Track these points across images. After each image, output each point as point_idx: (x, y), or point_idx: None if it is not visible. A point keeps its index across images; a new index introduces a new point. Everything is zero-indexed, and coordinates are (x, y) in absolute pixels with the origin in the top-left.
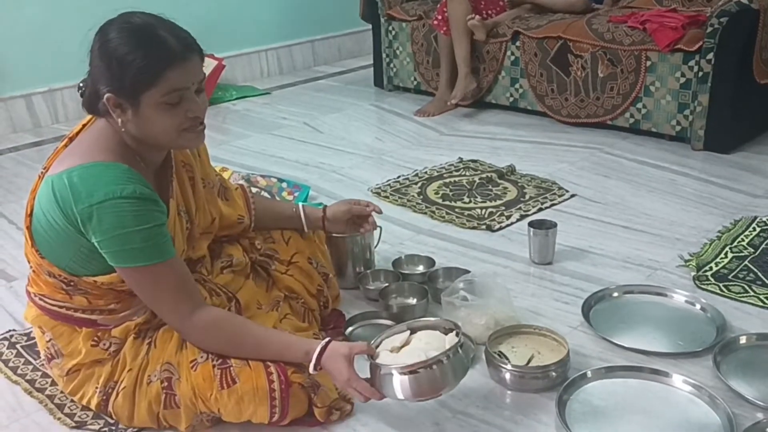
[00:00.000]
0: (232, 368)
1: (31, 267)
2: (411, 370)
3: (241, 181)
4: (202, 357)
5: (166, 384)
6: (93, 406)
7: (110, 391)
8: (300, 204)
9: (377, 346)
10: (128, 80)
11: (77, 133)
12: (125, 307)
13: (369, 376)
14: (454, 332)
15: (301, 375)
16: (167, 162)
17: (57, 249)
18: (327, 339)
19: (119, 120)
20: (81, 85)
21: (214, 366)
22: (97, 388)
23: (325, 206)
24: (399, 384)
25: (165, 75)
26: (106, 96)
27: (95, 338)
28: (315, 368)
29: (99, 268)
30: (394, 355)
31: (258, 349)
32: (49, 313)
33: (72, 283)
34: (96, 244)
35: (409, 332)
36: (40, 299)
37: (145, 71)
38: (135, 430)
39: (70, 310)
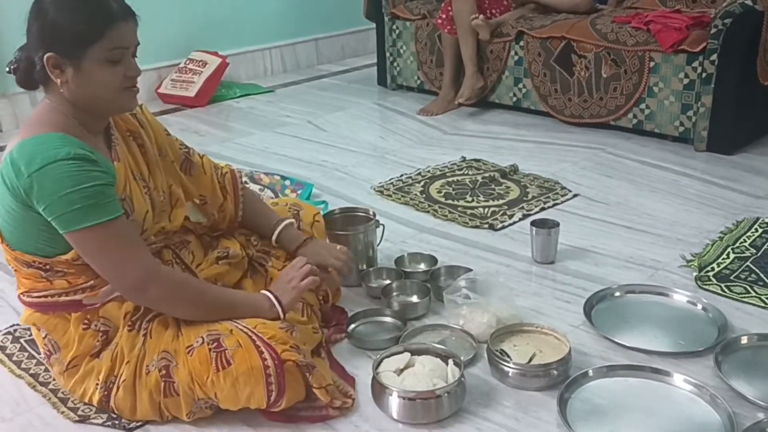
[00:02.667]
0: (226, 351)
1: (12, 267)
2: (410, 397)
3: (245, 179)
4: (197, 341)
5: (164, 372)
6: (95, 402)
7: (111, 386)
8: (285, 223)
9: (378, 365)
10: (73, 36)
11: None
12: (104, 282)
13: (371, 390)
14: (454, 362)
15: (293, 353)
16: (108, 131)
17: (21, 235)
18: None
19: (58, 81)
20: (11, 62)
21: (210, 349)
22: (97, 384)
23: (307, 239)
24: (395, 405)
25: (109, 31)
26: (45, 57)
27: (86, 321)
28: (279, 304)
29: (65, 242)
30: (400, 378)
31: (225, 302)
32: (38, 307)
33: (48, 267)
34: (44, 213)
35: (409, 355)
36: (28, 296)
37: (91, 25)
38: (138, 424)
39: (54, 296)
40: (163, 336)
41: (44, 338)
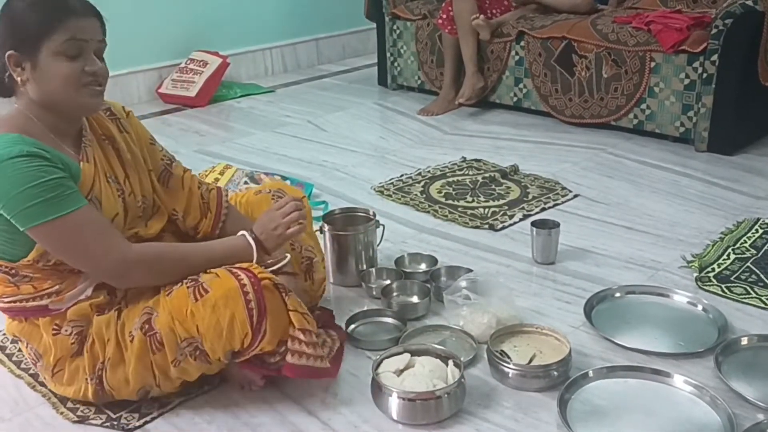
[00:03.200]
0: (203, 283)
1: None
2: (410, 398)
3: (245, 179)
4: (177, 285)
5: (146, 327)
6: (91, 396)
7: (100, 373)
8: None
9: (378, 365)
10: (28, 30)
11: None
12: (70, 286)
13: (370, 391)
14: (454, 363)
15: (269, 275)
16: (80, 133)
17: None
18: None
19: (19, 79)
20: None
21: (188, 287)
22: (87, 378)
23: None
24: (395, 406)
25: (64, 24)
26: (7, 55)
27: (55, 326)
28: (256, 241)
29: (26, 244)
30: (400, 379)
31: (205, 259)
32: (8, 313)
33: (14, 271)
34: (2, 212)
35: (409, 355)
36: (0, 301)
37: (44, 20)
38: (138, 424)
39: (22, 302)
40: (139, 301)
41: (27, 347)
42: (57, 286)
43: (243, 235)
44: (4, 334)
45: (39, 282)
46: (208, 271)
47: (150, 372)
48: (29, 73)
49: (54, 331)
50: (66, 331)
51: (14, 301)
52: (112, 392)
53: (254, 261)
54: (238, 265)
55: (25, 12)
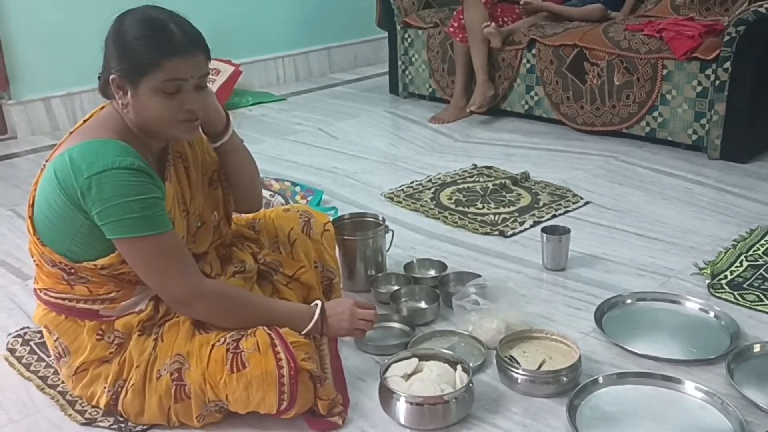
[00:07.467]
0: (243, 353)
1: (34, 261)
2: (418, 402)
3: None
4: (219, 342)
5: (176, 375)
6: (102, 405)
7: (119, 390)
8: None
9: (386, 370)
10: (131, 63)
11: (79, 127)
12: (126, 296)
13: (378, 395)
14: (463, 368)
15: (310, 363)
16: (166, 150)
17: (57, 234)
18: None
19: (120, 102)
20: (100, 71)
21: (227, 350)
22: (105, 387)
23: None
24: (403, 411)
25: (165, 63)
26: (111, 77)
27: (100, 331)
28: (321, 316)
29: (99, 249)
30: (407, 383)
31: (265, 313)
32: (53, 307)
33: (73, 271)
34: (95, 216)
35: (417, 360)
36: (45, 294)
37: (146, 57)
38: (145, 427)
39: (72, 301)
40: (175, 339)
41: (55, 341)
42: (113, 293)
43: (315, 306)
44: (15, 337)
45: (96, 286)
46: (255, 333)
47: (165, 418)
48: (129, 98)
49: (98, 337)
50: (109, 338)
51: (64, 299)
52: (123, 413)
53: (305, 332)
54: (285, 336)
55: (132, 42)
